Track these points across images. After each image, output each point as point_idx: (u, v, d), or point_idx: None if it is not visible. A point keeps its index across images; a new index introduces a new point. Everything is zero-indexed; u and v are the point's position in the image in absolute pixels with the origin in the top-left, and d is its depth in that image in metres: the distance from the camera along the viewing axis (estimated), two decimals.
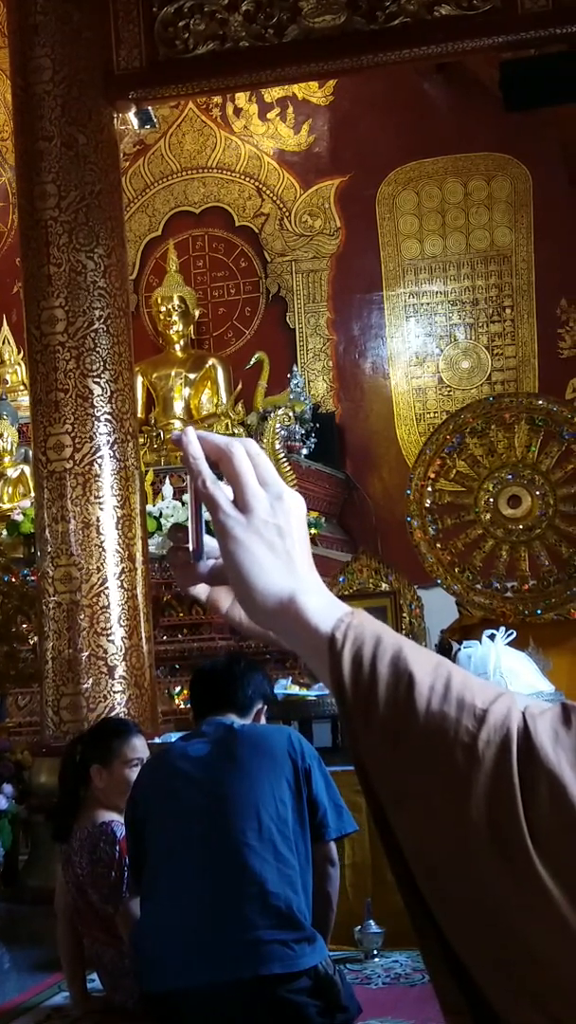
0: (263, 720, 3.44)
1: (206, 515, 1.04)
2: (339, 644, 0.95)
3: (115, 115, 6.61)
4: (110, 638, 6.11)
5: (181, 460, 1.04)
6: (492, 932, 0.88)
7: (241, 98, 10.45)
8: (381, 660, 0.93)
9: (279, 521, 1.02)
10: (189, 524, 1.07)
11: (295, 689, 6.31)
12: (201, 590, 1.12)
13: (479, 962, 0.90)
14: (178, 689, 7.98)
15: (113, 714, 5.90)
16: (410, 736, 0.90)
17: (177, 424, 9.82)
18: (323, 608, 0.98)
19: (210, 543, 1.07)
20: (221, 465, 1.03)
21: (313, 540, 8.36)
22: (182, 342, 10.23)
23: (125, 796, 3.60)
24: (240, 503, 1.02)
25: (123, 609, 6.15)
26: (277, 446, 8.99)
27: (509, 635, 4.18)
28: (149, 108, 7.05)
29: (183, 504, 8.59)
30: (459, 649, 4.19)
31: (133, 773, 3.74)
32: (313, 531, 8.86)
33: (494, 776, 0.87)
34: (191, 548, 1.07)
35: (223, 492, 1.02)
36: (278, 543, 1.01)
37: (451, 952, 0.92)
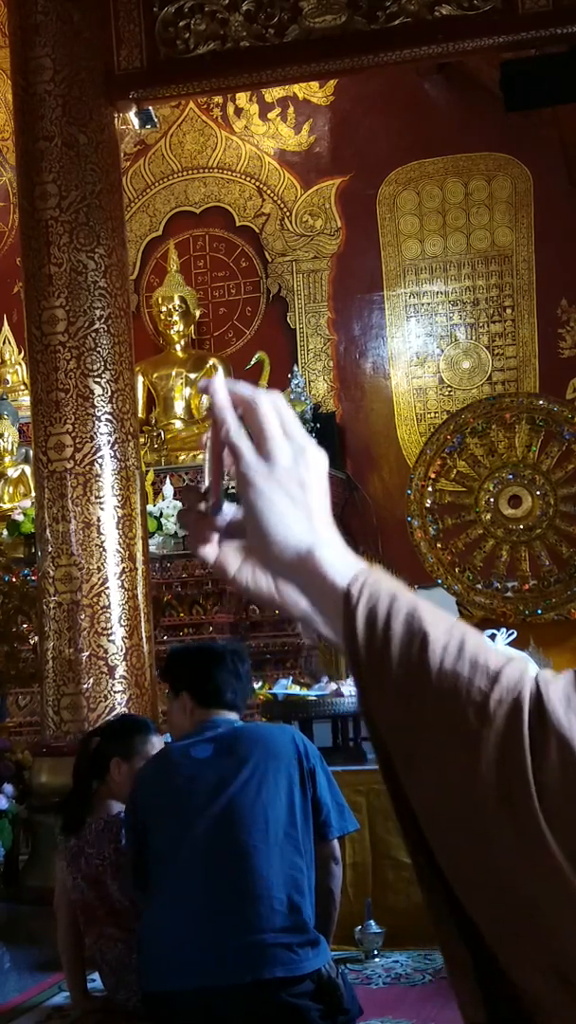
0: None
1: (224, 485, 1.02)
2: (354, 600, 0.94)
3: (116, 115, 6.61)
4: (111, 638, 6.11)
5: (206, 410, 1.03)
6: (501, 895, 0.89)
7: (242, 98, 10.45)
8: (396, 618, 0.93)
9: (301, 474, 1.01)
10: (208, 476, 1.05)
11: (295, 689, 6.30)
12: (210, 552, 1.08)
13: (491, 925, 0.90)
14: None
15: (113, 714, 5.91)
16: (423, 694, 0.90)
17: (178, 424, 9.84)
18: (340, 563, 0.98)
19: (225, 508, 1.06)
20: (247, 415, 1.02)
21: None
22: (183, 342, 10.23)
23: None
24: (263, 453, 1.01)
25: (123, 609, 6.16)
26: None
27: (509, 635, 4.18)
28: (150, 108, 7.04)
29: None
30: None
31: None
32: None
33: (505, 736, 0.87)
34: (211, 502, 1.05)
35: (247, 442, 1.01)
36: (299, 495, 1.00)
37: (465, 934, 0.92)
